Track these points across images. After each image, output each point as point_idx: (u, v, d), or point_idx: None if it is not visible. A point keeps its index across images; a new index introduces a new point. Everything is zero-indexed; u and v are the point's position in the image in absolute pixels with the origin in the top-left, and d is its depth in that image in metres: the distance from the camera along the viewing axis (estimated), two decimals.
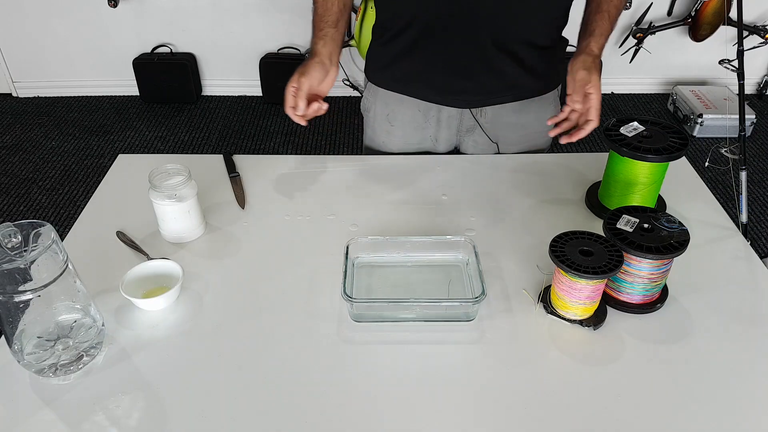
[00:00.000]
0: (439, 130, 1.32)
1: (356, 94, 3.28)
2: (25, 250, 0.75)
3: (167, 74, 3.17)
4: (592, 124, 1.08)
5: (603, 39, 1.13)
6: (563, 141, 1.10)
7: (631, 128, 1.07)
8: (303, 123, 1.15)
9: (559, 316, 0.91)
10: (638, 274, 0.89)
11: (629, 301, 0.92)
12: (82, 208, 1.16)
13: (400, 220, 1.12)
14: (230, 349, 0.87)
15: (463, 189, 1.21)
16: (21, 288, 0.75)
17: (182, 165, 1.04)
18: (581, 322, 0.90)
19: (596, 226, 1.05)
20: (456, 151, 1.38)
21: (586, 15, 1.17)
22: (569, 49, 1.24)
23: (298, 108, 1.13)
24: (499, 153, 1.34)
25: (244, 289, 0.97)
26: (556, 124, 1.13)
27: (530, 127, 1.32)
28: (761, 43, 2.93)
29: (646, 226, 0.90)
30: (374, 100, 1.33)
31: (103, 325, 0.87)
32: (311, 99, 1.14)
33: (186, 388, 0.82)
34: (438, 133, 1.33)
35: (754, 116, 2.90)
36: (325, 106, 1.15)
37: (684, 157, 1.25)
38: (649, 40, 3.08)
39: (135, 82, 3.22)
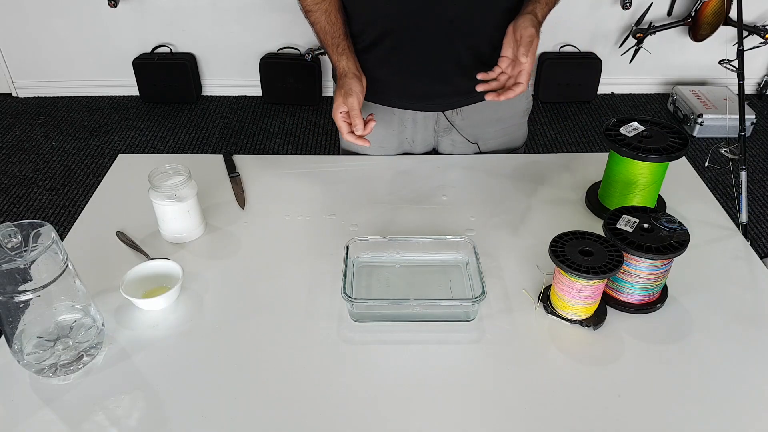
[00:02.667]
0: (416, 132, 1.33)
1: None
2: (25, 250, 0.75)
3: (167, 74, 3.17)
4: (521, 87, 1.08)
5: (547, 9, 1.12)
6: (489, 98, 1.09)
7: (631, 128, 1.07)
8: (368, 143, 1.13)
9: (559, 316, 0.91)
10: (638, 274, 0.89)
11: (629, 301, 0.92)
12: (82, 208, 1.16)
13: (400, 220, 1.12)
14: (230, 349, 0.87)
15: (463, 189, 1.21)
16: (21, 288, 0.75)
17: (182, 165, 1.04)
18: (581, 322, 0.90)
19: (596, 226, 1.05)
20: (434, 152, 1.39)
21: None
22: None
23: (358, 128, 1.11)
24: (479, 151, 1.34)
25: (244, 289, 0.97)
26: (485, 82, 1.11)
27: (507, 121, 1.33)
28: (761, 43, 2.93)
29: (646, 226, 0.90)
30: None
31: (103, 325, 0.87)
32: None
33: (186, 388, 0.82)
34: (415, 135, 1.33)
35: (754, 116, 2.90)
36: (372, 120, 1.14)
37: (684, 157, 1.25)
38: (649, 40, 3.08)
39: (135, 82, 3.22)
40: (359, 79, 1.16)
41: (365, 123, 1.13)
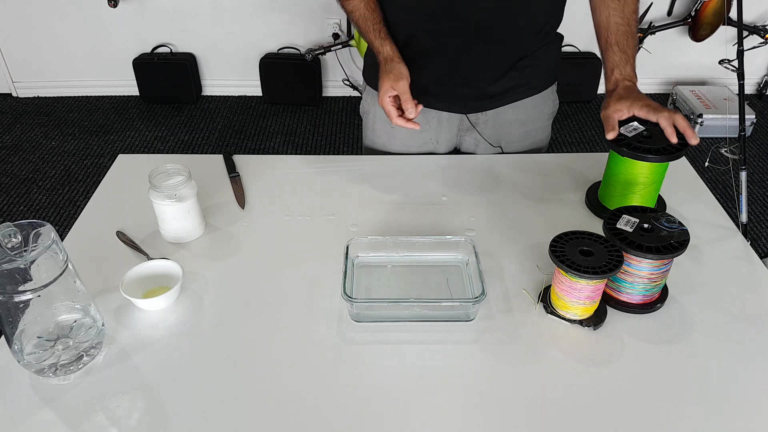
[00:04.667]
0: (440, 131, 1.33)
1: (356, 94, 3.28)
2: (25, 250, 0.75)
3: (167, 74, 3.17)
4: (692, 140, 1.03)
5: (633, 60, 1.10)
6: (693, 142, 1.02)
7: (631, 128, 1.07)
8: (419, 126, 1.12)
9: (559, 316, 0.91)
10: (638, 274, 0.89)
11: (629, 301, 0.92)
12: (82, 208, 1.16)
13: (400, 220, 1.12)
14: (230, 349, 0.87)
15: (463, 189, 1.21)
16: (21, 288, 0.75)
17: (182, 165, 1.04)
18: (581, 322, 0.90)
19: (596, 226, 1.05)
20: (457, 150, 1.39)
21: (606, 34, 1.12)
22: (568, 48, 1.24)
23: (410, 111, 1.09)
24: (502, 152, 1.34)
25: (244, 289, 0.97)
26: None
27: (531, 124, 1.32)
28: (761, 43, 2.92)
29: (646, 226, 0.90)
30: (374, 103, 1.33)
31: (103, 325, 0.87)
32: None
33: (186, 388, 0.82)
34: (439, 135, 1.33)
35: (754, 116, 2.90)
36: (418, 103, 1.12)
37: (684, 157, 1.25)
38: (649, 40, 3.08)
39: (135, 82, 3.22)
40: (404, 64, 1.14)
41: (419, 108, 1.11)
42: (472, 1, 1.09)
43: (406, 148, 1.34)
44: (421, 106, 1.11)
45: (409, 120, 1.11)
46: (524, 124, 1.32)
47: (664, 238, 0.88)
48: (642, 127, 1.07)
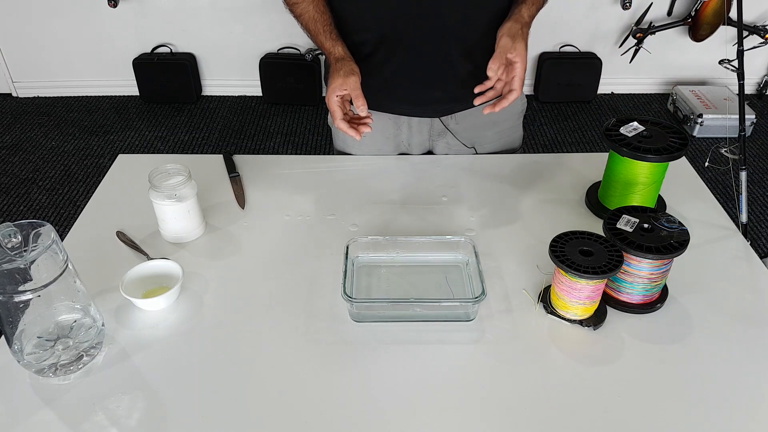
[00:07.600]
0: (411, 136, 1.33)
1: None
2: (25, 250, 0.75)
3: (167, 74, 3.17)
4: (515, 94, 1.08)
5: (534, 8, 1.12)
6: (486, 111, 1.10)
7: (631, 128, 1.07)
8: (359, 138, 1.08)
9: (559, 316, 0.91)
10: (638, 274, 0.89)
11: (629, 301, 0.92)
12: (82, 208, 1.16)
13: (400, 220, 1.12)
14: (230, 349, 0.87)
15: (462, 189, 1.21)
16: (21, 288, 0.75)
17: (182, 165, 1.04)
18: (581, 322, 0.90)
19: (596, 226, 1.05)
20: (430, 154, 1.39)
21: None
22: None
23: (361, 108, 1.07)
24: (476, 153, 1.34)
25: (244, 289, 0.97)
26: (482, 94, 1.11)
27: (502, 124, 1.33)
28: (761, 43, 2.93)
29: (646, 226, 0.90)
30: None
31: (103, 325, 0.87)
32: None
33: (186, 388, 0.82)
34: (411, 139, 1.33)
35: (754, 116, 2.90)
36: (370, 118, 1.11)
37: (684, 157, 1.25)
38: (649, 40, 3.08)
39: (135, 82, 3.22)
40: (356, 64, 1.13)
41: (362, 120, 1.10)
42: (440, 5, 1.09)
43: (379, 153, 1.34)
44: (370, 123, 1.10)
45: (351, 127, 1.08)
46: (496, 124, 1.32)
47: (664, 238, 0.88)
48: (642, 127, 1.07)
